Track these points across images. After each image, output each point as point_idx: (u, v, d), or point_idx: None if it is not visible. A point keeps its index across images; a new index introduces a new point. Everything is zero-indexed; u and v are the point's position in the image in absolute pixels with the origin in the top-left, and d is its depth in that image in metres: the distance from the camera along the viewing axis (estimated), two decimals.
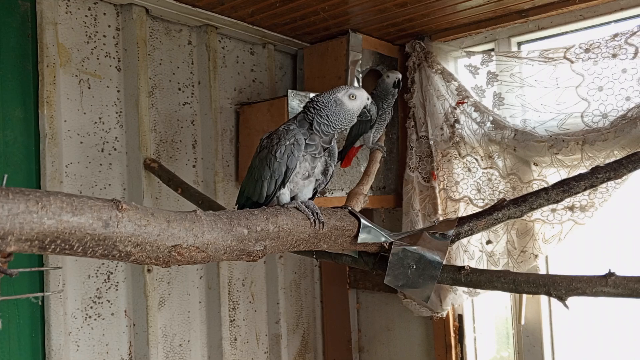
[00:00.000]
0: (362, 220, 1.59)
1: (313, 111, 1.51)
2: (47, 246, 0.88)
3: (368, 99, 1.56)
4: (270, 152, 1.47)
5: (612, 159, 2.31)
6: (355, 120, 1.57)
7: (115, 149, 2.46)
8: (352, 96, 1.52)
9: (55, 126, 2.20)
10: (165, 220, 1.04)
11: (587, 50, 2.44)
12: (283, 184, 1.49)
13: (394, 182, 3.22)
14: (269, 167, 1.47)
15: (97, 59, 2.41)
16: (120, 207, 0.95)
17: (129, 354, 2.46)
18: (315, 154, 1.52)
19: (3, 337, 2.07)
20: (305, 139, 1.49)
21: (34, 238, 0.85)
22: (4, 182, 0.91)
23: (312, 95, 2.64)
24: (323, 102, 1.51)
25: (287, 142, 1.46)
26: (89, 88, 2.37)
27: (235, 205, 1.69)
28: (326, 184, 1.65)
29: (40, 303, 2.17)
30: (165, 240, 1.02)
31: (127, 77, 2.49)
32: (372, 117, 1.60)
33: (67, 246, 0.90)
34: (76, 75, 2.33)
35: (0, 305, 0.93)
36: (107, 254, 0.96)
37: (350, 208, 1.65)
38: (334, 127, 1.51)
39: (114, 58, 2.48)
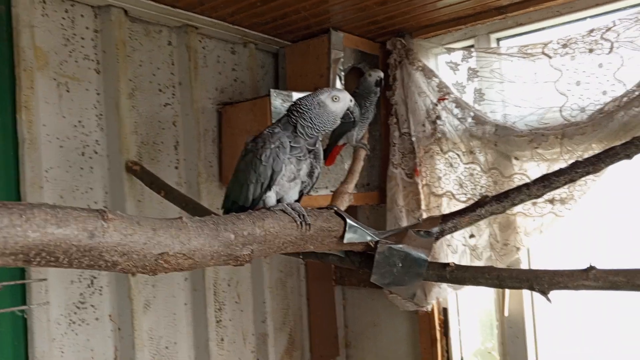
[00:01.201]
0: (348, 221, 1.60)
1: (296, 114, 1.51)
2: (32, 259, 0.87)
3: (351, 100, 1.57)
4: (256, 155, 1.47)
5: (591, 152, 2.37)
6: (339, 122, 1.57)
7: (96, 153, 2.43)
8: (335, 98, 1.53)
9: (34, 131, 2.16)
10: (152, 229, 1.03)
11: (564, 46, 2.48)
12: (269, 187, 1.49)
13: (377, 178, 3.23)
14: (255, 170, 1.47)
15: (76, 61, 2.37)
16: (105, 217, 0.95)
17: (115, 358, 2.45)
18: (300, 157, 1.52)
19: None
20: (290, 142, 1.49)
21: (19, 252, 0.84)
22: None
23: (295, 94, 2.66)
24: (306, 105, 1.51)
25: (272, 146, 1.46)
26: (68, 91, 2.33)
27: (221, 209, 1.69)
28: (312, 186, 1.65)
29: (20, 312, 2.13)
30: (152, 248, 1.02)
31: (107, 79, 2.45)
32: (355, 118, 1.60)
33: (52, 258, 0.89)
34: (54, 79, 2.29)
35: None
36: (93, 264, 0.95)
37: (336, 208, 1.66)
38: (317, 130, 1.51)
39: (92, 60, 2.44)
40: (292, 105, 1.55)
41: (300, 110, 1.50)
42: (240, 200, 1.53)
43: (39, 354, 2.12)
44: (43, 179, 2.22)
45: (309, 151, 1.56)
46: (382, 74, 2.48)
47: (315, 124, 1.50)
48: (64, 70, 2.32)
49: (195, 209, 2.15)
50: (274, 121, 2.58)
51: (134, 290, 2.42)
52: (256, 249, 1.30)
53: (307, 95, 1.55)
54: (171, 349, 2.67)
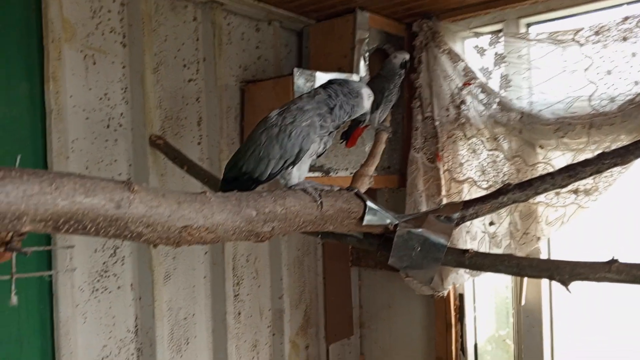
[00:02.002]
0: (368, 203, 1.60)
1: (340, 97, 1.50)
2: (61, 226, 0.89)
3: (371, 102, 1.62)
4: (284, 131, 1.44)
5: (619, 144, 2.32)
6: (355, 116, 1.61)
7: (120, 125, 2.46)
8: (370, 96, 1.57)
9: (60, 102, 2.20)
10: (176, 202, 1.05)
11: (597, 33, 2.41)
12: (292, 164, 1.48)
13: (398, 162, 3.22)
14: (280, 146, 1.44)
15: (102, 34, 2.39)
16: (132, 189, 0.96)
17: (135, 327, 2.51)
18: (323, 136, 1.52)
19: (12, 310, 2.12)
20: (320, 122, 1.47)
21: (49, 219, 0.86)
22: (17, 163, 0.92)
23: (318, 74, 2.65)
24: (350, 93, 1.51)
25: (304, 124, 1.43)
26: (94, 64, 2.36)
27: (224, 177, 1.63)
28: (320, 155, 1.65)
29: (48, 277, 2.20)
30: (176, 221, 1.04)
31: (133, 53, 2.47)
32: (366, 121, 1.72)
33: (80, 226, 0.91)
34: (81, 51, 2.31)
35: (9, 280, 0.95)
36: (119, 234, 0.97)
37: (356, 190, 1.66)
38: (347, 117, 1.53)
39: (119, 34, 2.45)
40: (334, 85, 1.53)
41: (344, 94, 1.51)
42: (255, 173, 1.49)
43: (63, 318, 2.19)
44: (69, 149, 2.26)
45: (330, 132, 1.56)
46: (407, 56, 2.45)
47: (348, 113, 1.52)
48: (91, 43, 2.35)
49: (216, 185, 2.16)
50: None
51: (155, 262, 2.47)
52: (277, 226, 1.31)
53: (350, 81, 1.56)
54: (189, 320, 2.73)
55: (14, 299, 0.91)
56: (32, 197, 0.83)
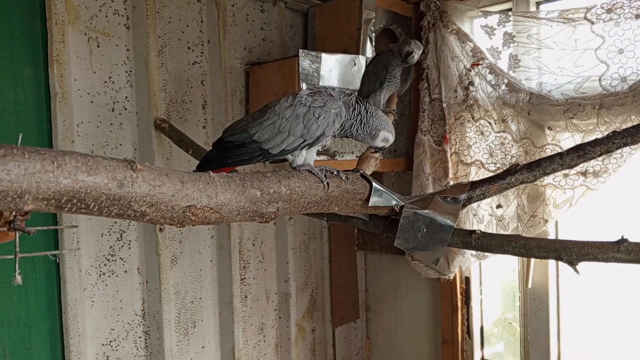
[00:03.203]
0: (374, 184, 1.59)
1: (363, 115, 1.55)
2: (64, 205, 0.88)
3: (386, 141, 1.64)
4: (312, 112, 1.45)
5: (629, 124, 2.28)
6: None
7: (125, 109, 2.45)
8: (384, 141, 1.62)
9: (65, 85, 2.19)
10: (180, 181, 1.04)
11: (609, 11, 2.36)
12: (309, 146, 1.48)
13: (404, 145, 3.19)
14: (305, 126, 1.45)
15: (106, 16, 2.37)
16: (134, 167, 0.95)
17: (142, 310, 2.53)
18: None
19: (21, 293, 2.13)
20: (344, 116, 1.53)
21: (51, 197, 0.86)
22: (19, 141, 0.91)
23: (324, 55, 2.61)
24: (369, 126, 1.56)
25: (333, 111, 1.46)
26: (98, 46, 2.34)
27: (220, 141, 1.58)
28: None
29: (57, 260, 2.22)
30: (179, 200, 1.03)
31: (136, 35, 2.45)
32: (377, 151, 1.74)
33: (83, 205, 0.91)
34: (85, 34, 2.30)
35: (19, 261, 0.95)
36: (122, 213, 0.97)
37: (361, 171, 1.64)
38: (351, 136, 1.59)
39: (122, 16, 2.43)
40: (364, 107, 1.56)
41: (365, 118, 1.55)
42: (268, 144, 1.47)
43: (71, 301, 2.21)
44: (74, 133, 2.26)
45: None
46: (415, 49, 2.30)
47: (358, 134, 1.57)
48: (95, 25, 2.33)
49: None
50: (302, 84, 2.57)
51: (161, 246, 2.48)
52: (281, 207, 1.30)
53: (379, 115, 1.59)
54: (196, 303, 2.74)
55: (18, 278, 0.91)
56: (34, 175, 0.82)
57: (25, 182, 0.81)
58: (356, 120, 1.54)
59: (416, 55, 2.28)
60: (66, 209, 0.90)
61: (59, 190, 0.85)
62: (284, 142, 1.46)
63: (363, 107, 1.55)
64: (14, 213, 0.96)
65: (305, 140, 1.46)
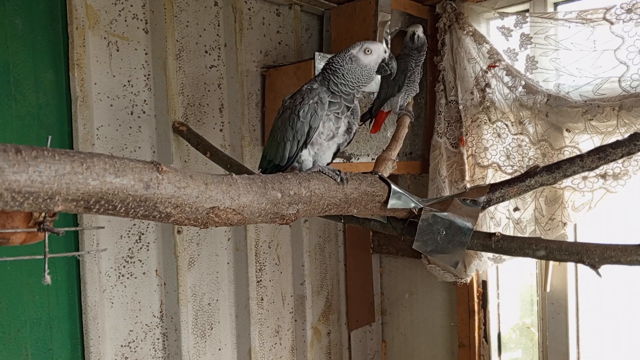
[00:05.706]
0: (393, 186, 1.59)
1: (329, 71, 1.48)
2: (92, 206, 0.90)
3: (385, 51, 1.50)
4: (294, 112, 1.45)
5: None
6: (374, 76, 1.53)
7: (144, 112, 2.48)
8: (368, 50, 1.47)
9: (86, 89, 2.22)
10: (204, 183, 1.05)
11: (628, 11, 2.34)
12: (305, 145, 1.48)
13: (420, 147, 3.18)
14: (292, 127, 1.45)
15: (125, 20, 2.40)
16: (160, 169, 0.97)
17: (160, 312, 2.55)
18: (338, 114, 1.51)
19: (43, 294, 2.17)
20: (328, 98, 1.46)
21: (80, 198, 0.87)
22: (48, 143, 0.93)
23: None
24: (338, 62, 1.47)
25: (311, 101, 1.44)
26: (118, 50, 2.38)
27: (259, 169, 1.70)
28: (349, 142, 1.64)
29: (78, 257, 2.25)
30: (203, 202, 1.04)
31: (155, 39, 2.48)
32: (392, 71, 1.53)
33: (110, 206, 0.92)
34: (105, 38, 2.33)
35: (41, 262, 0.96)
36: (148, 214, 0.98)
37: (379, 174, 1.64)
38: (352, 86, 1.47)
39: (141, 20, 2.46)
40: (326, 63, 1.52)
41: (333, 68, 1.47)
42: (276, 158, 1.51)
43: (91, 302, 2.24)
44: (95, 136, 2.29)
45: (347, 108, 1.54)
46: (418, 29, 2.30)
47: (348, 80, 1.46)
48: (114, 29, 2.36)
49: (239, 171, 2.17)
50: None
51: (179, 248, 2.50)
52: (302, 209, 1.30)
53: (340, 52, 1.51)
54: (213, 305, 2.76)
55: (48, 279, 0.93)
56: (64, 177, 0.84)
57: (55, 184, 0.83)
58: (336, 82, 1.47)
59: (418, 32, 2.26)
60: (94, 210, 0.91)
61: (87, 191, 0.87)
62: (284, 150, 1.48)
63: (328, 71, 1.49)
64: (43, 214, 0.98)
65: (298, 140, 1.46)
